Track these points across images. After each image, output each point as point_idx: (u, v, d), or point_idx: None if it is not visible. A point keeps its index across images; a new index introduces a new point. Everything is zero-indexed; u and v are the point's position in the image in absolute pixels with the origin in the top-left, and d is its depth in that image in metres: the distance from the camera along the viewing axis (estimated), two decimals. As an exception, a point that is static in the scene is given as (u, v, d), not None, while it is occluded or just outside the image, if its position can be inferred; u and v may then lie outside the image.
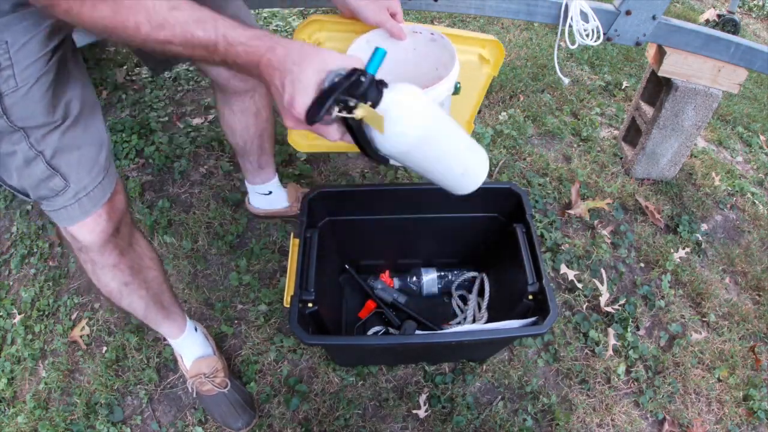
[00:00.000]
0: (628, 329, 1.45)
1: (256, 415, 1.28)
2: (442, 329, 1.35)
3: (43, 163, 0.79)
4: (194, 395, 1.29)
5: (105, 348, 1.40)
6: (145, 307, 1.11)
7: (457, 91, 1.00)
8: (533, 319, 1.10)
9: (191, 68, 2.21)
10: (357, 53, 0.97)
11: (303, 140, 1.30)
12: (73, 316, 1.47)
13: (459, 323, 1.41)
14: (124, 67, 2.22)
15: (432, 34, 1.02)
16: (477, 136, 1.94)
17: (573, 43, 1.38)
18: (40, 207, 0.90)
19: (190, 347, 1.26)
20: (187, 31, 0.64)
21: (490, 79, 1.13)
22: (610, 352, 1.42)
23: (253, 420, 1.26)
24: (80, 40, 1.32)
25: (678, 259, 1.65)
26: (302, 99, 0.65)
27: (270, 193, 1.55)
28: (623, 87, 2.33)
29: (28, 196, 0.85)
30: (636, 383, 1.38)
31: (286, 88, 0.66)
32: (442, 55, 1.00)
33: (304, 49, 0.66)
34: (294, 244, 1.17)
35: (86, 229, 0.89)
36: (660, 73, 1.56)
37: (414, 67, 1.07)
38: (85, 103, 0.83)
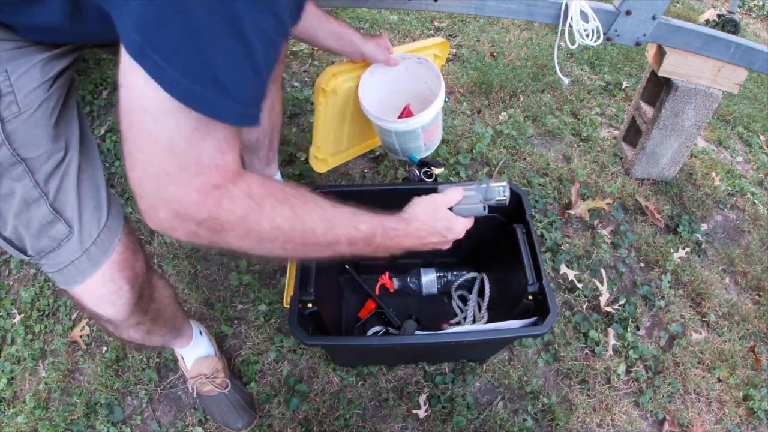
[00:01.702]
0: (628, 329, 1.45)
1: (256, 415, 1.28)
2: (441, 328, 1.35)
3: (45, 204, 0.71)
4: (195, 396, 1.29)
5: (105, 348, 1.40)
6: (164, 340, 1.11)
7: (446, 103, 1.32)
8: (533, 319, 1.10)
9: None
10: (365, 80, 1.34)
11: (324, 164, 1.50)
12: (73, 316, 1.47)
13: (459, 323, 1.41)
14: (124, 67, 2.22)
15: (418, 58, 1.35)
16: (477, 136, 1.95)
17: (573, 43, 1.38)
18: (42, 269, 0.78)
19: (194, 350, 1.26)
20: (351, 226, 0.72)
21: (440, 66, 1.50)
22: (610, 352, 1.42)
23: (254, 420, 1.26)
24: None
25: (678, 259, 1.65)
26: (459, 227, 0.96)
27: None
28: (623, 87, 2.33)
29: (25, 252, 0.75)
30: (636, 383, 1.38)
31: (443, 235, 0.93)
32: (427, 73, 1.34)
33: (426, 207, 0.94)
34: (294, 244, 1.17)
35: (107, 303, 0.80)
36: (660, 73, 1.56)
37: (408, 83, 1.41)
38: (84, 139, 0.78)
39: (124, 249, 0.81)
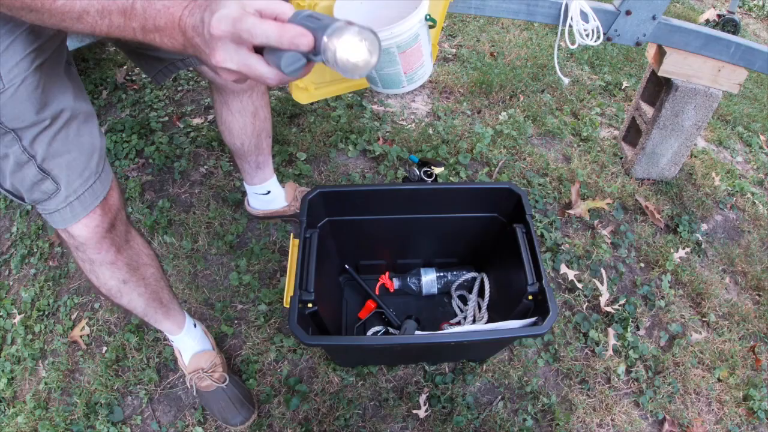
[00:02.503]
0: (628, 329, 1.45)
1: (255, 410, 1.27)
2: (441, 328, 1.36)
3: (34, 166, 0.80)
4: (193, 392, 1.29)
5: (105, 348, 1.40)
6: (145, 304, 1.11)
7: (433, 22, 1.12)
8: (533, 319, 1.10)
9: (191, 69, 2.20)
10: (339, 3, 1.12)
11: (305, 93, 1.33)
12: (73, 316, 1.47)
13: (459, 323, 1.41)
14: (124, 67, 2.22)
15: None
16: (477, 136, 1.95)
17: (573, 43, 1.38)
18: (36, 210, 0.91)
19: (189, 342, 1.26)
20: None
21: (446, 6, 1.31)
22: (610, 352, 1.42)
23: (252, 415, 1.26)
24: (71, 44, 1.33)
25: (678, 259, 1.65)
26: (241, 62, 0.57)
27: (268, 192, 1.55)
28: (623, 87, 2.33)
29: (23, 199, 0.86)
30: (636, 383, 1.38)
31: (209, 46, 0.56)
32: None
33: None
34: (293, 245, 1.17)
35: (81, 225, 0.90)
36: (660, 73, 1.56)
37: (395, 7, 1.19)
38: (77, 109, 0.84)
39: (105, 208, 0.92)
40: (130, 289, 1.06)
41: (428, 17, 1.15)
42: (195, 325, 1.29)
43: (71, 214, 0.88)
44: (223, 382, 1.25)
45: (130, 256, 1.02)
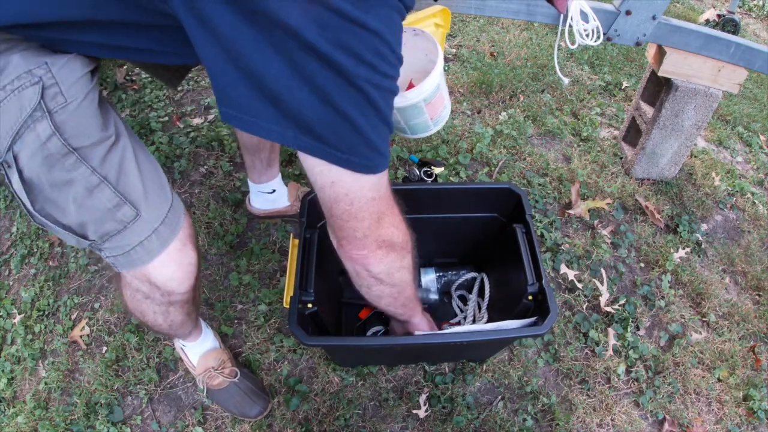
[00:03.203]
0: (628, 329, 1.45)
1: (270, 399, 1.28)
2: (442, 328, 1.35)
3: (109, 188, 0.72)
4: (205, 393, 1.29)
5: (105, 348, 1.40)
6: (190, 325, 1.11)
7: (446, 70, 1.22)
8: (533, 319, 1.10)
9: (191, 69, 2.21)
10: None
11: None
12: (73, 316, 1.47)
13: (459, 323, 1.40)
14: (124, 67, 2.22)
15: (414, 30, 1.30)
16: (477, 136, 1.95)
17: (573, 43, 1.38)
18: (101, 255, 0.78)
19: (202, 344, 1.26)
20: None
21: (444, 35, 1.44)
22: (610, 352, 1.42)
23: (269, 404, 1.26)
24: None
25: (678, 259, 1.65)
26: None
27: (273, 191, 1.55)
28: (623, 87, 2.33)
29: (86, 236, 0.76)
30: (636, 383, 1.38)
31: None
32: (427, 45, 1.29)
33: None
34: (293, 245, 1.17)
35: (166, 257, 0.80)
36: (660, 73, 1.56)
37: (408, 58, 1.28)
38: (125, 125, 0.80)
39: (188, 224, 0.84)
40: (188, 317, 1.02)
41: (446, 68, 1.28)
42: (205, 325, 1.29)
43: (158, 242, 0.78)
44: (234, 377, 1.25)
45: (197, 287, 0.94)
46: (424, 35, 1.30)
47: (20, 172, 0.68)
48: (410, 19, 1.33)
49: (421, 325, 1.10)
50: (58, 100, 0.68)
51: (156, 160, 0.82)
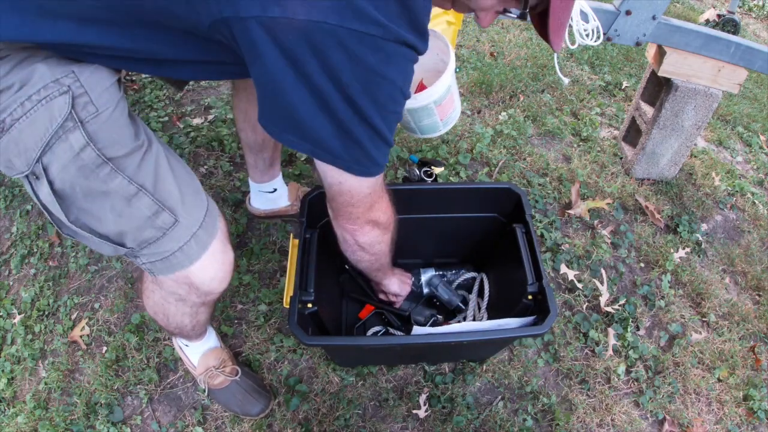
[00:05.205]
0: (628, 329, 1.45)
1: (271, 397, 1.28)
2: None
3: (147, 196, 0.73)
4: (206, 393, 1.29)
5: (105, 348, 1.40)
6: (207, 324, 1.13)
7: (458, 71, 1.23)
8: (533, 318, 1.10)
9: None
10: None
11: None
12: (73, 316, 1.47)
13: (459, 323, 1.40)
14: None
15: None
16: (477, 136, 1.95)
17: (573, 43, 1.38)
18: (135, 261, 0.79)
19: (205, 343, 1.25)
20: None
21: (456, 32, 1.46)
22: (610, 352, 1.42)
23: (270, 402, 1.27)
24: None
25: (678, 259, 1.65)
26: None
27: (275, 190, 1.55)
28: (623, 87, 2.33)
29: (124, 245, 0.76)
30: (636, 383, 1.38)
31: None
32: (438, 44, 1.28)
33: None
34: (293, 245, 1.17)
35: (215, 267, 0.82)
36: (660, 73, 1.56)
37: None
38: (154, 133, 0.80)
39: (224, 224, 0.88)
40: (209, 314, 1.05)
41: (458, 69, 1.27)
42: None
43: (197, 247, 0.79)
44: (236, 375, 1.25)
45: None
46: (435, 34, 1.30)
47: (51, 183, 0.68)
48: None
49: (391, 285, 1.32)
50: (89, 109, 0.67)
51: (187, 164, 0.83)
